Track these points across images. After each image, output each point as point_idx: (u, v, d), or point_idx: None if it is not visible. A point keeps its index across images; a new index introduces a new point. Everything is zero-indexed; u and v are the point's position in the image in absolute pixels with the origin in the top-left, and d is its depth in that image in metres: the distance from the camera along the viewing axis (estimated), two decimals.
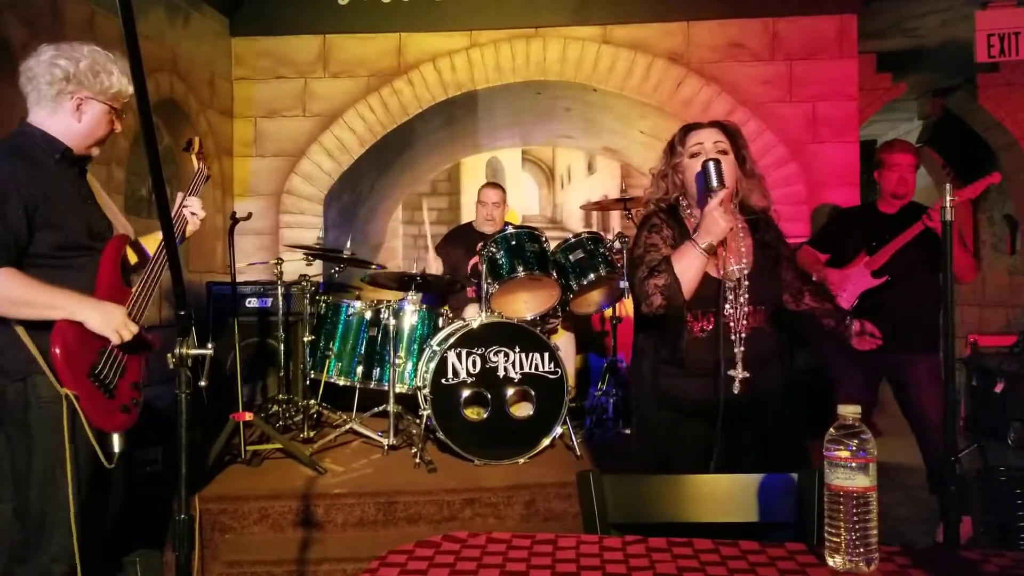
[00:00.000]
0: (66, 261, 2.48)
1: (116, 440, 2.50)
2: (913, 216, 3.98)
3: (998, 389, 6.26)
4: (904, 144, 4.19)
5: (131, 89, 2.56)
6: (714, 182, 2.44)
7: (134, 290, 2.62)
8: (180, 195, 2.92)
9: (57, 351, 2.35)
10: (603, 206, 6.01)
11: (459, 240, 5.56)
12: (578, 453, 4.49)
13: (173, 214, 2.82)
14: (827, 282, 4.11)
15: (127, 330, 2.46)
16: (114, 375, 2.49)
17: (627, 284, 2.67)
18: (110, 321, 2.43)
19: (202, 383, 1.78)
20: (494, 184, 5.80)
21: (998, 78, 7.41)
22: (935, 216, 3.76)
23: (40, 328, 2.38)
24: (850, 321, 2.83)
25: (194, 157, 3.20)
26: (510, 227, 4.75)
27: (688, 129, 2.68)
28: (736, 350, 2.52)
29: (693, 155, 2.59)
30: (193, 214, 2.89)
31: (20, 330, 2.40)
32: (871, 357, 4.06)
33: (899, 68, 7.45)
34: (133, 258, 2.78)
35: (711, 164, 2.45)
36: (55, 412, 2.38)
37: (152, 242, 2.86)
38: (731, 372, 2.51)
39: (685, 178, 2.62)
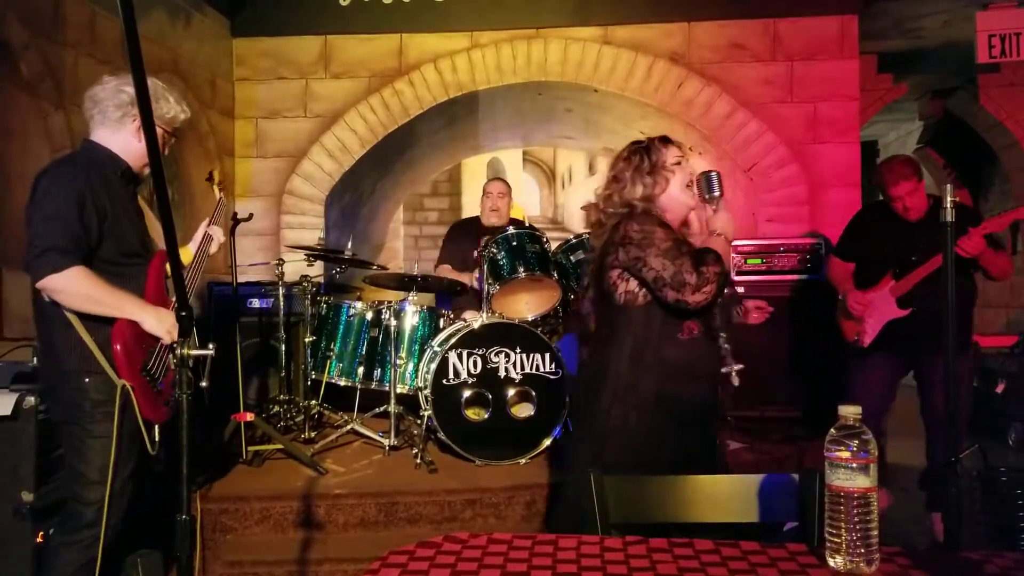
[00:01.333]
0: (123, 269, 2.74)
1: (157, 431, 2.76)
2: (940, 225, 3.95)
3: (999, 390, 6.26)
4: (897, 171, 4.02)
5: (183, 116, 2.97)
6: (718, 191, 2.69)
7: (175, 299, 2.75)
8: (205, 222, 3.28)
9: (118, 347, 2.61)
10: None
11: (464, 234, 5.55)
12: None
13: (199, 236, 3.21)
14: (851, 306, 4.10)
15: (176, 332, 2.59)
16: (160, 372, 2.76)
17: (648, 280, 2.60)
18: (163, 323, 2.69)
19: (203, 384, 1.79)
20: (499, 178, 5.82)
21: (999, 79, 7.42)
22: (966, 246, 3.75)
23: (98, 329, 2.63)
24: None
25: (215, 188, 3.58)
26: (511, 228, 4.75)
27: (666, 141, 2.80)
28: (726, 346, 2.77)
29: (675, 164, 2.74)
30: (211, 236, 3.24)
31: (80, 330, 2.63)
32: (900, 355, 4.05)
33: (900, 69, 7.46)
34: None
35: (716, 174, 2.70)
36: (110, 408, 2.62)
37: (185, 255, 3.14)
38: (724, 369, 2.74)
39: (669, 185, 2.73)
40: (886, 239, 4.11)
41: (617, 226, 2.67)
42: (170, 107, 2.91)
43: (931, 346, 3.94)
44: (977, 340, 6.98)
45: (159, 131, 2.82)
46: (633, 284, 2.63)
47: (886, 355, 4.10)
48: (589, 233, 2.98)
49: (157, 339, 2.72)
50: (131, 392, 2.62)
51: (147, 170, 2.88)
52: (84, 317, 2.62)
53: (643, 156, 2.77)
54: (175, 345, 2.63)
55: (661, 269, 2.55)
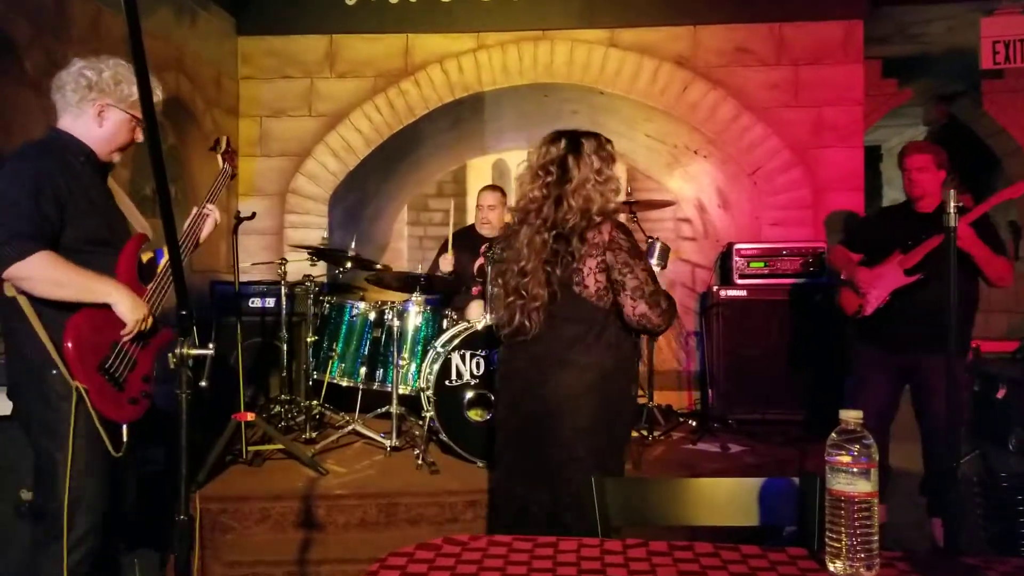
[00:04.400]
0: (87, 257, 2.57)
1: (125, 431, 2.61)
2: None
3: (1000, 395, 6.24)
4: (916, 147, 4.22)
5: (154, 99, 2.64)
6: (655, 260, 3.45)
7: (149, 287, 2.72)
8: (197, 208, 3.02)
9: (69, 345, 2.46)
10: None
11: (464, 244, 5.57)
12: None
13: (193, 217, 2.98)
14: (856, 280, 4.11)
15: (147, 323, 2.60)
16: (124, 369, 2.60)
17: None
18: (137, 310, 2.56)
19: (203, 383, 1.78)
20: (492, 187, 5.78)
21: (1003, 85, 7.40)
22: (961, 234, 3.74)
23: (55, 324, 2.48)
24: None
25: (219, 156, 3.34)
26: None
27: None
28: None
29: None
30: (207, 214, 3.01)
31: (37, 326, 2.49)
32: (898, 359, 4.06)
33: (905, 74, 7.44)
34: (146, 256, 2.86)
35: (663, 249, 3.37)
36: (69, 406, 2.47)
37: None
38: None
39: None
40: (894, 228, 4.17)
41: (597, 229, 2.74)
42: (134, 90, 2.66)
43: (928, 348, 3.95)
44: (978, 345, 6.98)
45: (125, 116, 2.70)
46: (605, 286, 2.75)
47: (882, 371, 4.12)
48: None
49: (121, 332, 2.56)
50: (84, 394, 2.46)
51: (117, 156, 2.78)
52: (42, 311, 2.48)
53: (609, 153, 2.89)
54: (141, 336, 2.58)
55: (644, 282, 2.70)
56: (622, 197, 2.93)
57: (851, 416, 1.50)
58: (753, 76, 6.29)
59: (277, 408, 5.01)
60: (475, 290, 5.28)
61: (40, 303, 2.48)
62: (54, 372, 2.48)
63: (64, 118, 2.70)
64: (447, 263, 5.28)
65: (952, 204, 2.33)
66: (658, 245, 3.10)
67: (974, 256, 3.81)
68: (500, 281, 2.94)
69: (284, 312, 4.94)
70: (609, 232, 2.72)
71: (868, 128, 6.95)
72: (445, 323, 4.87)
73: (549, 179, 2.83)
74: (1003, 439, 6.09)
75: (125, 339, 2.58)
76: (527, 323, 2.78)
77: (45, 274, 2.44)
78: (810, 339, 5.48)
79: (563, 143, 2.88)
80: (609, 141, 2.94)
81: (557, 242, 2.76)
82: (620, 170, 2.95)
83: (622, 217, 2.93)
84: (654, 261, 3.05)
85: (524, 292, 2.79)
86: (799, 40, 6.25)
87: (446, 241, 5.67)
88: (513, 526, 2.72)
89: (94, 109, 2.66)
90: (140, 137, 2.77)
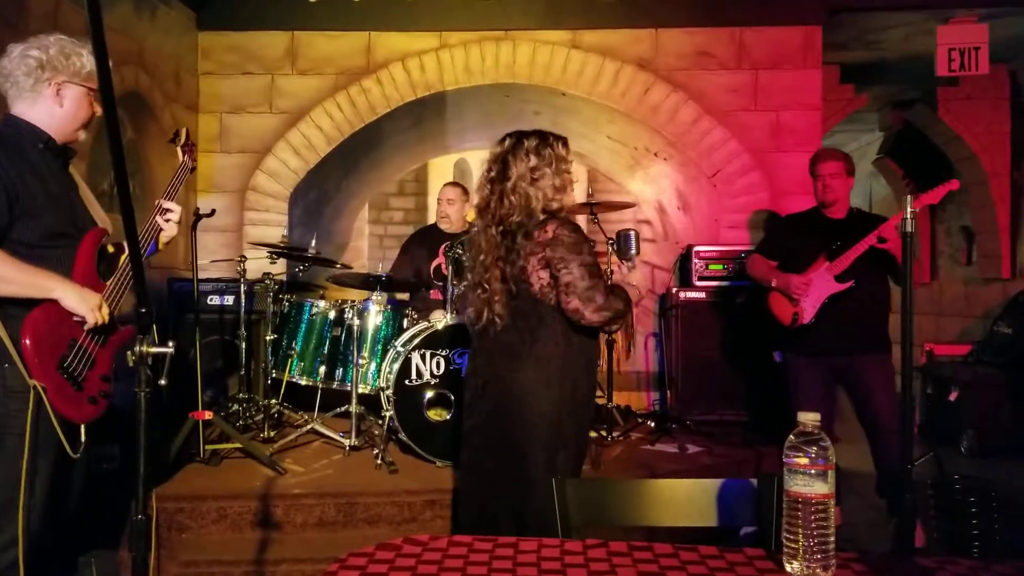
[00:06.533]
0: (43, 252, 2.51)
1: (83, 431, 2.52)
2: (862, 222, 4.09)
3: (952, 397, 6.37)
4: (828, 153, 4.38)
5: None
6: (635, 250, 3.56)
7: (109, 283, 2.65)
8: (159, 201, 2.91)
9: (27, 342, 2.38)
10: (569, 210, 6.03)
11: (423, 241, 5.59)
12: None
13: (148, 223, 2.85)
14: (790, 287, 4.16)
15: (101, 313, 2.50)
16: (83, 367, 2.51)
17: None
18: (87, 301, 2.47)
19: (162, 382, 1.75)
20: (453, 183, 5.86)
21: (958, 92, 7.55)
22: (887, 236, 3.86)
23: (12, 319, 2.40)
24: None
25: (179, 149, 3.26)
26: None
27: (559, 137, 3.03)
28: None
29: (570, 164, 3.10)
30: (168, 220, 2.88)
31: None
32: (828, 361, 4.15)
33: (862, 80, 7.55)
34: (111, 248, 2.79)
35: (635, 234, 3.49)
36: (24, 403, 2.38)
37: None
38: None
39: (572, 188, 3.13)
40: (810, 233, 4.28)
41: (542, 227, 2.82)
42: (84, 61, 2.61)
43: (859, 349, 4.04)
44: (932, 348, 7.12)
45: (82, 90, 2.63)
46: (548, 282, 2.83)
47: (813, 375, 4.21)
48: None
49: (80, 330, 2.49)
50: (43, 394, 2.37)
51: (82, 135, 2.71)
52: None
53: (551, 152, 2.91)
54: (99, 332, 2.51)
55: (579, 278, 2.75)
56: (577, 198, 2.97)
57: (809, 419, 1.52)
58: (714, 80, 6.34)
59: (235, 407, 4.95)
60: (433, 293, 5.26)
61: None
62: (6, 367, 2.40)
63: (18, 105, 2.61)
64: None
65: (909, 210, 2.37)
66: (632, 236, 3.18)
67: (899, 258, 3.95)
68: (468, 276, 3.02)
69: (243, 310, 4.89)
70: (553, 230, 2.81)
71: (825, 133, 7.05)
72: (405, 322, 4.86)
73: (492, 175, 2.94)
74: (955, 441, 6.22)
75: (86, 333, 2.50)
76: (494, 317, 2.86)
77: None
78: (763, 341, 5.53)
79: (507, 142, 2.98)
80: (559, 140, 2.98)
81: (505, 238, 2.86)
82: (580, 171, 2.99)
83: (581, 218, 2.99)
84: (634, 252, 3.14)
85: (487, 286, 2.88)
86: (759, 45, 6.32)
87: (406, 241, 5.67)
88: (475, 525, 2.75)
89: (51, 89, 2.59)
90: (99, 110, 2.68)
